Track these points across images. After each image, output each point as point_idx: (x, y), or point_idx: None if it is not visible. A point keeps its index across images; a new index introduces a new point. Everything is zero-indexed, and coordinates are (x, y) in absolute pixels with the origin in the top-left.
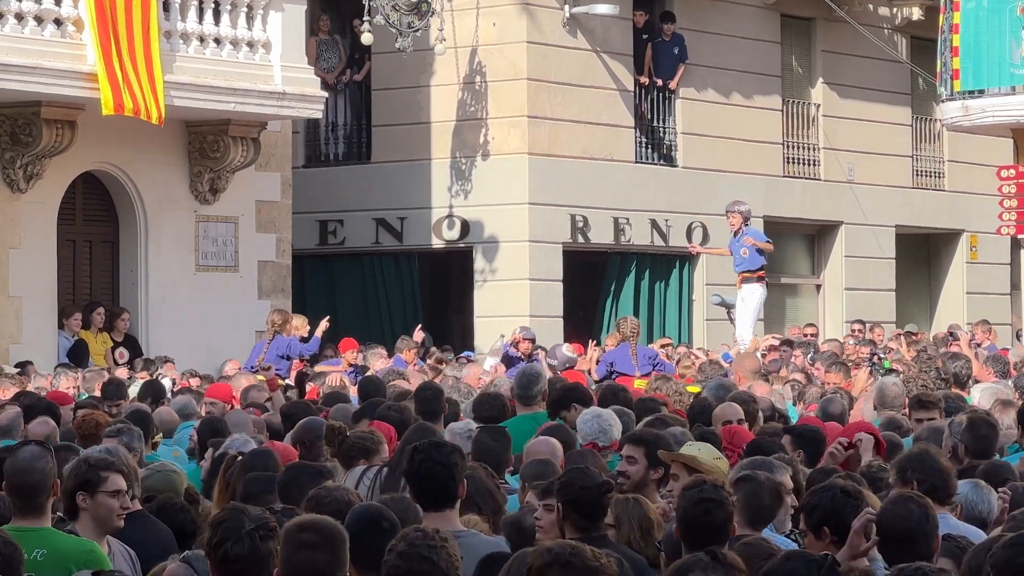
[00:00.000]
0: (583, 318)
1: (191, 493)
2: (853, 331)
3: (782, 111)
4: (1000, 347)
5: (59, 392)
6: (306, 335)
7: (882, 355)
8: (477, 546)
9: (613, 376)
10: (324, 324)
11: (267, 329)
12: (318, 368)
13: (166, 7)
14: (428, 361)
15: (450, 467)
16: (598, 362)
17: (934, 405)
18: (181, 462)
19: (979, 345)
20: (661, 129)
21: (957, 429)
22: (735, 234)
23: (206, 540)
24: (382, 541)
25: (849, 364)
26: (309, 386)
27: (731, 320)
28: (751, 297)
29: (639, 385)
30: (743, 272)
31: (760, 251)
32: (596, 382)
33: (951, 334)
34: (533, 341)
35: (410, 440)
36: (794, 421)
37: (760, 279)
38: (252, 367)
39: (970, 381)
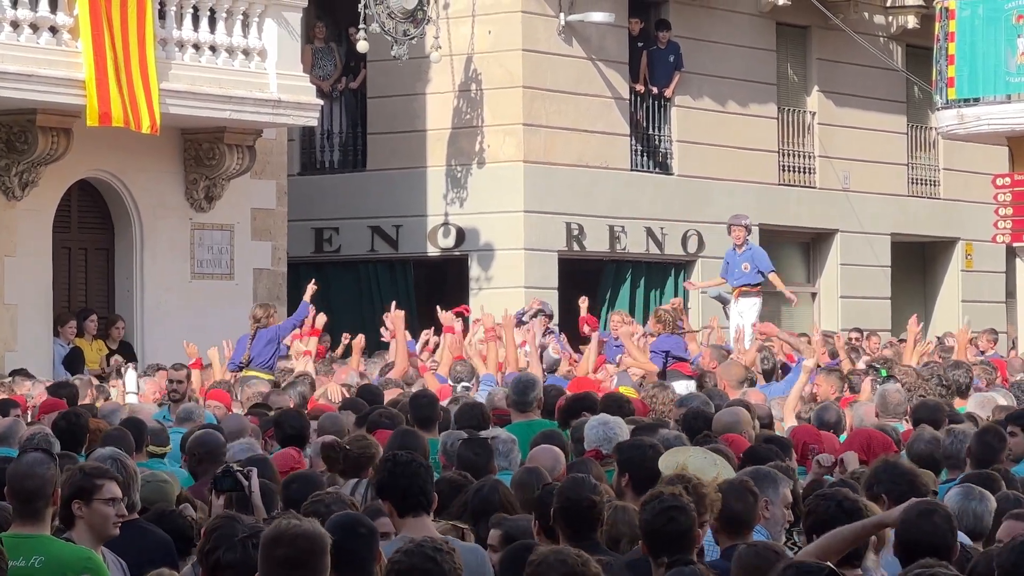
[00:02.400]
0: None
1: (187, 498)
2: (851, 339)
3: (777, 119)
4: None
5: (55, 400)
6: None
7: (877, 365)
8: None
9: (669, 363)
10: (311, 289)
11: (250, 324)
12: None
13: (161, 15)
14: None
15: (424, 473)
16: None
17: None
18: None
19: (983, 353)
20: (657, 137)
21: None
22: (737, 247)
23: (199, 547)
24: (359, 547)
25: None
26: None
27: (727, 316)
28: (749, 311)
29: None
30: (741, 286)
31: (761, 273)
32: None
33: (940, 341)
34: (550, 317)
35: (393, 446)
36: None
37: (758, 293)
38: (239, 364)
39: (971, 390)
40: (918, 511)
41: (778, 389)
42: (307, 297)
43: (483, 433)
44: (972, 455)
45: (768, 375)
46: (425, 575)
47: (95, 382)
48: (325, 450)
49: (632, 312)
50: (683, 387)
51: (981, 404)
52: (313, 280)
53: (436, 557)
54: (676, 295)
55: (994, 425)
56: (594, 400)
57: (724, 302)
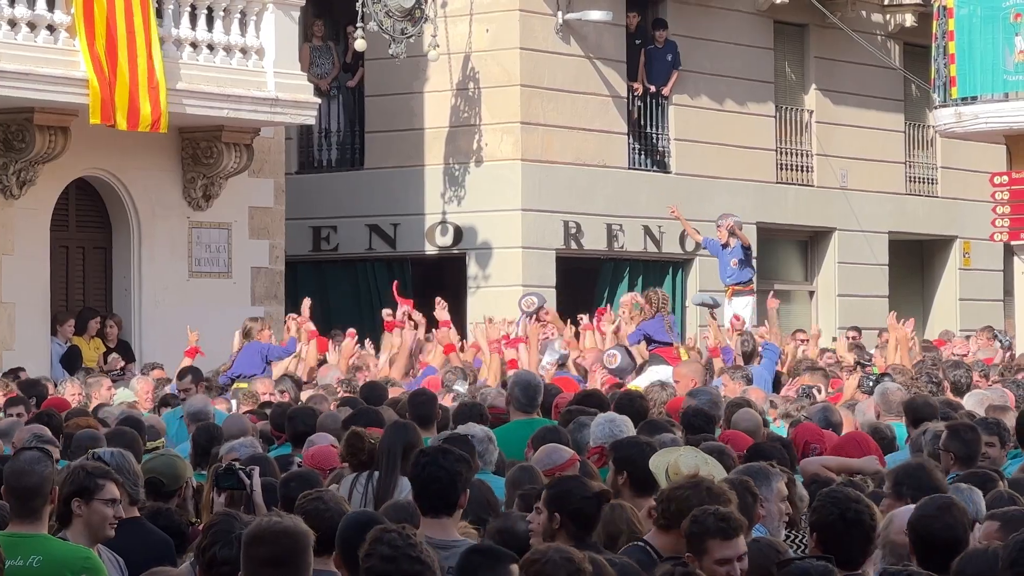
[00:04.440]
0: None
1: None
2: (849, 338)
3: (775, 117)
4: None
5: (59, 399)
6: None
7: (865, 362)
8: None
9: (651, 347)
10: (305, 307)
11: (239, 339)
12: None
13: (159, 13)
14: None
15: (453, 475)
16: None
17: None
18: None
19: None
20: (654, 135)
21: (927, 439)
22: (724, 245)
23: (196, 543)
24: None
25: (837, 371)
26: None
27: (713, 318)
28: (744, 311)
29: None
30: (733, 285)
31: (746, 252)
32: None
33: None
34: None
35: (392, 439)
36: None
37: (751, 292)
38: (227, 378)
39: (970, 389)
40: (937, 506)
41: (756, 373)
42: (303, 320)
43: (459, 429)
44: (955, 457)
45: (748, 358)
46: None
47: (106, 381)
48: (352, 439)
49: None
50: (662, 373)
51: (979, 402)
52: (300, 310)
53: (420, 556)
54: (673, 293)
55: (964, 423)
56: (601, 398)
57: (710, 306)
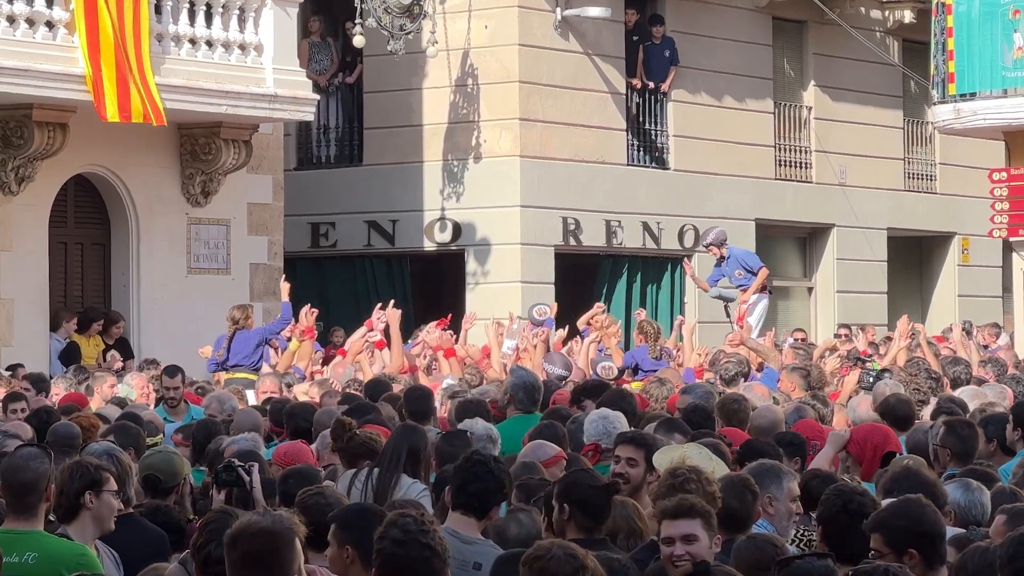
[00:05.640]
0: (575, 321)
1: (193, 488)
2: (840, 335)
3: (774, 114)
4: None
5: (77, 394)
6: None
7: (865, 359)
8: (491, 555)
9: (640, 374)
10: (285, 288)
11: (228, 326)
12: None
13: (158, 9)
14: None
15: (500, 484)
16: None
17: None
18: None
19: (986, 347)
20: (653, 131)
21: (935, 434)
22: (719, 263)
23: (192, 541)
24: (371, 539)
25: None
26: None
27: (728, 315)
28: (753, 309)
29: (636, 387)
30: (744, 288)
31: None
32: (620, 370)
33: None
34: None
35: (398, 440)
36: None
37: (763, 289)
38: (218, 364)
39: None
40: (919, 504)
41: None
42: (285, 297)
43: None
44: (952, 454)
45: (730, 383)
46: (424, 564)
47: (111, 379)
48: (336, 427)
49: (628, 307)
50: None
51: (973, 397)
52: (284, 276)
53: (430, 543)
54: (672, 290)
55: (961, 419)
56: (598, 393)
57: (726, 300)
